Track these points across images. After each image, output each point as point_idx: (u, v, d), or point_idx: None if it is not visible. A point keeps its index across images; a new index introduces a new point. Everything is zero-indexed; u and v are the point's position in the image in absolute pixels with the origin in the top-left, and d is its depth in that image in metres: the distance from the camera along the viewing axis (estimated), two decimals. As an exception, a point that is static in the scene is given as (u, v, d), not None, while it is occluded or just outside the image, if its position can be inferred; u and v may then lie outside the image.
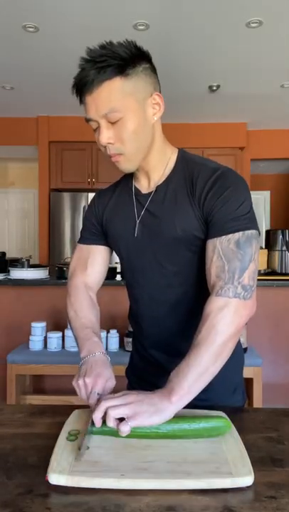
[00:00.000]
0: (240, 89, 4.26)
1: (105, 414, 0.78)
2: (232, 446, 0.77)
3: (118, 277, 2.94)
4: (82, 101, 0.94)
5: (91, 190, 5.23)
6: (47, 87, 4.27)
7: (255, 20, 2.96)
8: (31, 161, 6.28)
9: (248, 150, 5.42)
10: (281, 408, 1.00)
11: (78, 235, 1.22)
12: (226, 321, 0.87)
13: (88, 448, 0.76)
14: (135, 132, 0.93)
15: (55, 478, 0.68)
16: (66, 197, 5.15)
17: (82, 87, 0.92)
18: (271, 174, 7.21)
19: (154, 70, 0.98)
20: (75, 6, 2.81)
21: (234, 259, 0.90)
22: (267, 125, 5.34)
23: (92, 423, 0.80)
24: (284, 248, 3.16)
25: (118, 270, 3.04)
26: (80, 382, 0.90)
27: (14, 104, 4.75)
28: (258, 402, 2.41)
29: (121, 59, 0.89)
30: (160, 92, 0.98)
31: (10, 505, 0.63)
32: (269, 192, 7.27)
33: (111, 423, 0.77)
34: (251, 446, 0.80)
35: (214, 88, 4.20)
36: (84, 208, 5.10)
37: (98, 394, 0.88)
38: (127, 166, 0.98)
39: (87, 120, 0.95)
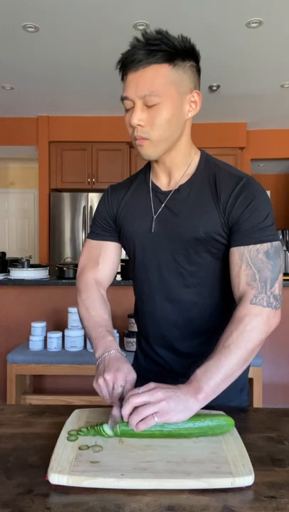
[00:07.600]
0: (240, 89, 4.26)
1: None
2: (232, 446, 0.78)
3: (118, 277, 2.93)
4: (123, 78, 0.94)
5: (91, 190, 5.23)
6: (47, 87, 4.27)
7: (255, 20, 2.97)
8: (31, 161, 6.28)
9: (248, 150, 5.42)
10: (281, 408, 1.00)
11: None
12: (259, 328, 0.89)
13: (88, 448, 0.76)
14: (168, 121, 0.93)
15: (55, 478, 0.68)
16: (66, 197, 5.15)
17: (128, 63, 0.91)
18: (271, 174, 7.21)
19: (199, 71, 0.99)
20: (75, 6, 2.81)
21: (265, 269, 0.92)
22: (267, 125, 5.34)
23: (109, 422, 0.80)
24: (284, 248, 3.16)
25: (118, 270, 3.04)
26: (100, 380, 0.87)
27: (14, 104, 4.75)
28: (258, 402, 2.41)
29: (174, 48, 0.90)
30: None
31: (10, 505, 0.63)
32: (269, 192, 7.27)
33: (135, 422, 0.76)
34: (251, 446, 0.80)
35: (214, 88, 4.20)
36: (84, 207, 5.10)
37: (121, 386, 0.86)
38: (149, 152, 0.96)
39: (122, 99, 0.94)
